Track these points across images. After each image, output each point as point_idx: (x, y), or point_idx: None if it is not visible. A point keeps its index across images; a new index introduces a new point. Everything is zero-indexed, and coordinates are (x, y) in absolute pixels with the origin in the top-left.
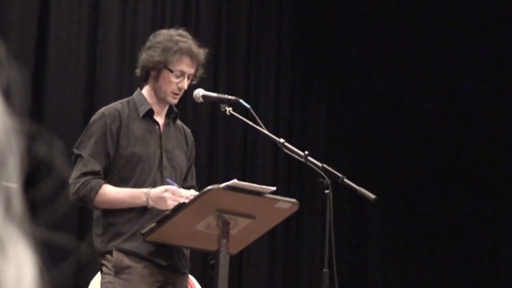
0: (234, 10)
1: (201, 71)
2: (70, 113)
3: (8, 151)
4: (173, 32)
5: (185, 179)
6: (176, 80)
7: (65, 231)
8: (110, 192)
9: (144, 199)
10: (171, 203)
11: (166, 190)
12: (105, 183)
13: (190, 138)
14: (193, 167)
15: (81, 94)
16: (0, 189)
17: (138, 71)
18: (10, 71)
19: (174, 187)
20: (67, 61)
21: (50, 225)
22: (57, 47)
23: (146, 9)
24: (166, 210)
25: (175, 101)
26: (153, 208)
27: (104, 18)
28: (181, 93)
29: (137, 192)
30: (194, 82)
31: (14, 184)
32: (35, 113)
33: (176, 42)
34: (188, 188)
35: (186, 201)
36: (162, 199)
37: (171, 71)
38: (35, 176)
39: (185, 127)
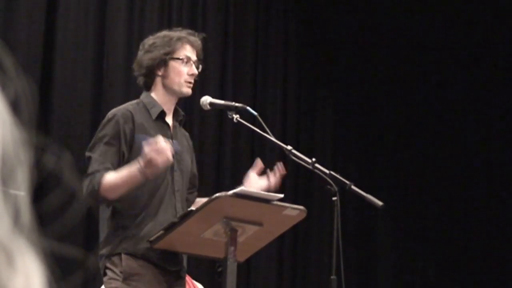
0: (241, 18)
1: (201, 57)
2: (78, 125)
3: (16, 163)
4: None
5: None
6: (185, 68)
7: (73, 243)
8: (111, 177)
9: (137, 171)
10: (155, 157)
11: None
12: (107, 173)
13: (190, 141)
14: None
15: (88, 106)
16: (8, 201)
17: (141, 79)
18: (18, 82)
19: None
20: (74, 73)
21: (58, 237)
22: (64, 59)
23: (153, 17)
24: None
25: (189, 90)
26: (149, 178)
27: (111, 32)
28: (193, 81)
29: (132, 167)
30: (199, 71)
31: (22, 194)
32: (42, 125)
33: (173, 34)
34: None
35: (168, 150)
36: (149, 159)
37: (178, 59)
38: (44, 188)
39: (183, 130)
